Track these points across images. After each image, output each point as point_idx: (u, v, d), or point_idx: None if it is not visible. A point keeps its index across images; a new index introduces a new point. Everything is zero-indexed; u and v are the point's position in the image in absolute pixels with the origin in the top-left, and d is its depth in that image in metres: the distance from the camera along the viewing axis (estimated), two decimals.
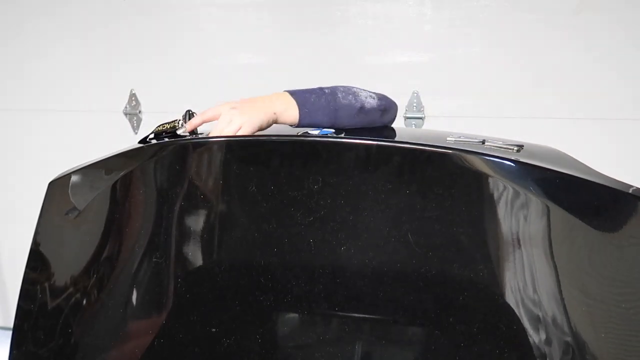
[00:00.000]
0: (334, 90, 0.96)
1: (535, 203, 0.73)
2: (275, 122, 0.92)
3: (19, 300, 0.94)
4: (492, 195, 0.75)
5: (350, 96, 0.96)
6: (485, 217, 0.75)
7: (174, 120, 0.92)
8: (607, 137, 1.60)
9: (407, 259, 0.76)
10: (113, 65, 1.95)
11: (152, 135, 0.93)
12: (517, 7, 1.60)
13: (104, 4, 1.92)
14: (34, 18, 1.99)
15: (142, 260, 0.86)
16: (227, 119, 0.88)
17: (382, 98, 1.01)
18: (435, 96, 1.69)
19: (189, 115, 0.91)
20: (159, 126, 0.94)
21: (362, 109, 0.96)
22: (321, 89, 0.96)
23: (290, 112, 0.92)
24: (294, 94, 0.94)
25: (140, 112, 1.97)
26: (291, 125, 0.94)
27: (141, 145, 0.89)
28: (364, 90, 1.00)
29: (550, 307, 0.73)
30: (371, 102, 0.98)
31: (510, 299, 0.74)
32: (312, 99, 0.94)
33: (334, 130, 0.91)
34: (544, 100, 1.62)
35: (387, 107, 1.02)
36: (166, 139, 0.90)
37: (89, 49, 1.96)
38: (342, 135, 0.88)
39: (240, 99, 0.94)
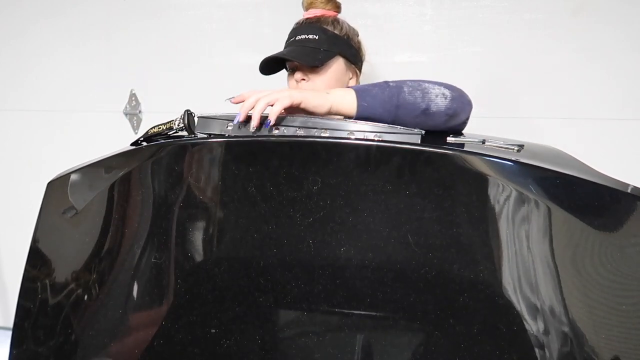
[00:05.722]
0: (400, 84, 0.91)
1: (536, 203, 0.73)
2: (331, 111, 0.90)
3: (19, 298, 0.94)
4: (492, 196, 0.75)
5: (418, 93, 0.90)
6: (485, 218, 0.75)
7: (170, 121, 0.92)
8: (607, 137, 1.60)
9: (406, 259, 0.76)
10: (113, 65, 1.95)
11: (142, 138, 0.93)
12: (516, 8, 1.60)
13: (104, 4, 1.92)
14: (34, 18, 1.99)
15: (141, 259, 0.86)
16: (287, 94, 0.87)
17: (454, 100, 0.92)
18: None
19: (188, 116, 0.91)
20: (152, 128, 0.93)
21: (426, 110, 0.90)
22: (386, 82, 0.92)
23: (347, 101, 0.90)
24: (355, 86, 0.92)
25: (140, 112, 1.97)
26: (349, 118, 0.91)
27: (135, 147, 0.89)
28: (439, 86, 0.92)
29: (550, 308, 0.73)
30: (439, 104, 0.90)
31: (511, 299, 0.74)
32: (374, 92, 0.90)
33: None
34: (544, 100, 1.62)
35: (457, 112, 0.93)
36: (161, 140, 0.90)
37: (89, 49, 1.96)
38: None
39: None
